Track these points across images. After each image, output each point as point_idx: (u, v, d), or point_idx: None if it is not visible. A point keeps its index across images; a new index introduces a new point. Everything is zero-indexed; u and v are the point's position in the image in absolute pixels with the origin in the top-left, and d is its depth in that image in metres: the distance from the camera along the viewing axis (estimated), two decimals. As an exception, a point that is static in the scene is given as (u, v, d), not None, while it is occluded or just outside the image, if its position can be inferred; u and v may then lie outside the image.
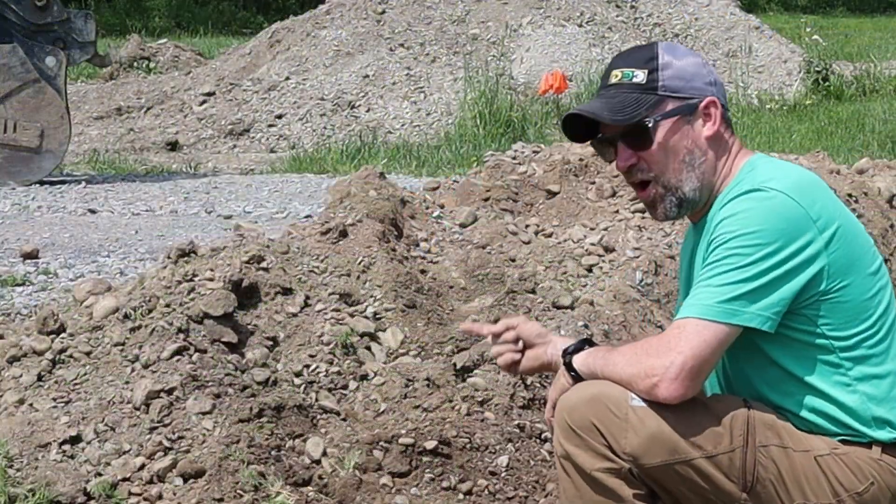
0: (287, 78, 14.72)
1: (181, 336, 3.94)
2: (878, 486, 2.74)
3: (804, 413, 2.77)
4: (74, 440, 3.67)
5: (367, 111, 14.07)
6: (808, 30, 18.46)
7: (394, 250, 4.90)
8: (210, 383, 3.82)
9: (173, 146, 13.62)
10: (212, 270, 4.30)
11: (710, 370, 2.72)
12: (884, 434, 2.75)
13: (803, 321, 2.74)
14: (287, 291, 4.40)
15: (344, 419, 3.93)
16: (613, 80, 2.90)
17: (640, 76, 2.86)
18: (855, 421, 2.75)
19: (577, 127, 2.93)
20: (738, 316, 2.68)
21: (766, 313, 2.69)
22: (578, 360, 2.86)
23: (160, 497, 3.50)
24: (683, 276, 3.00)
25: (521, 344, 3.01)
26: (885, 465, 2.75)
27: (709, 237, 2.77)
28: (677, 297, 3.13)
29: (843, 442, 2.76)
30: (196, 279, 4.24)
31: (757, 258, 2.67)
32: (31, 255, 7.40)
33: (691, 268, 2.90)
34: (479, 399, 3.92)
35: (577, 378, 2.85)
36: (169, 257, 4.67)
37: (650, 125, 2.84)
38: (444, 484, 3.68)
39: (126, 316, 4.08)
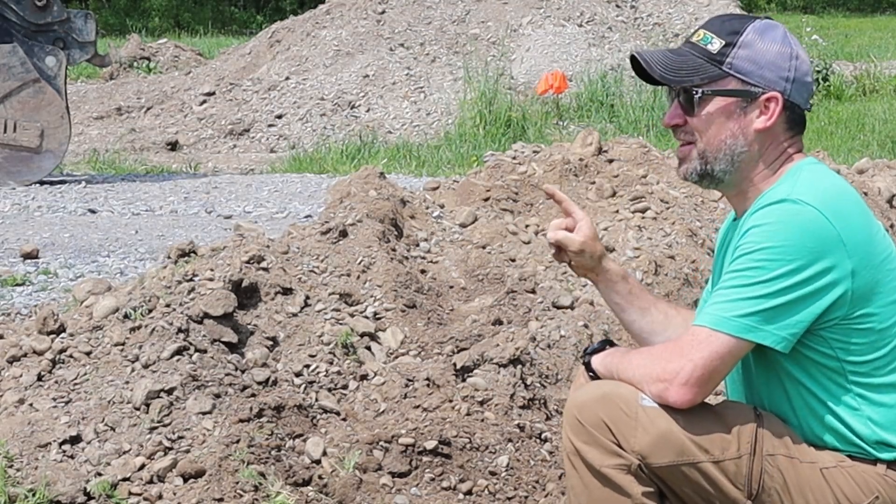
0: (287, 78, 14.72)
1: (181, 336, 3.94)
2: (882, 502, 2.73)
3: (813, 427, 2.76)
4: (74, 440, 3.67)
5: (367, 111, 14.07)
6: (807, 30, 18.47)
7: (394, 250, 4.90)
8: (210, 383, 3.82)
9: (173, 146, 13.62)
10: (212, 270, 4.30)
11: (720, 379, 2.72)
12: (888, 455, 2.75)
13: (819, 342, 2.72)
14: (287, 291, 4.41)
15: (344, 419, 3.93)
16: (694, 38, 2.83)
17: (716, 45, 2.78)
18: (861, 441, 2.74)
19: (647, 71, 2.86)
20: (753, 332, 2.66)
21: (782, 333, 2.67)
22: (597, 361, 2.88)
23: (160, 497, 3.50)
24: (715, 266, 2.98)
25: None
26: (891, 480, 2.74)
27: (737, 240, 2.74)
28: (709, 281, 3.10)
29: (850, 457, 2.75)
30: (196, 279, 4.24)
31: (780, 274, 2.64)
32: (31, 255, 7.40)
33: (722, 261, 2.89)
34: (479, 399, 3.92)
35: (595, 378, 2.87)
36: (169, 257, 4.68)
37: (697, 95, 2.78)
38: (444, 484, 3.67)
39: (126, 316, 4.08)
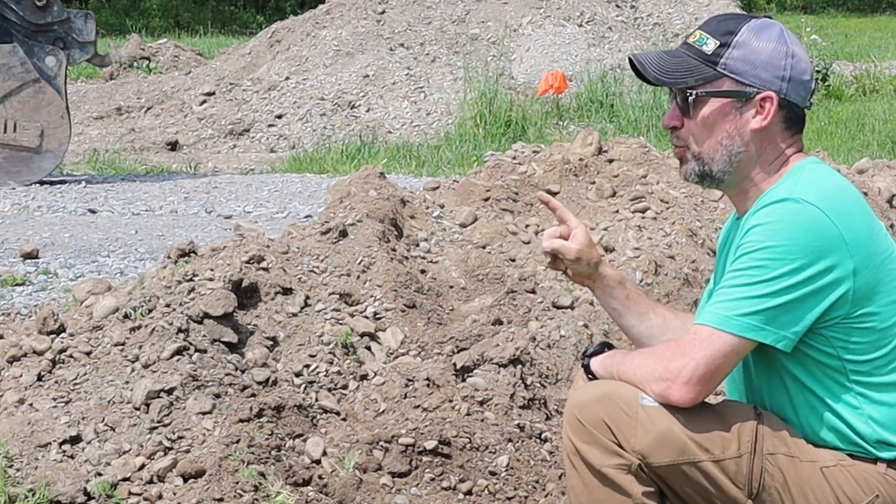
0: (287, 78, 14.72)
1: (181, 336, 3.94)
2: (882, 501, 2.73)
3: (813, 426, 2.76)
4: (74, 440, 3.67)
5: (367, 111, 14.07)
6: (807, 30, 18.47)
7: (394, 250, 4.90)
8: (210, 383, 3.82)
9: (173, 146, 13.62)
10: (212, 270, 4.30)
11: (722, 377, 2.72)
12: (888, 454, 2.75)
13: (820, 340, 2.71)
14: (287, 291, 4.41)
15: (344, 419, 3.93)
16: (691, 39, 2.82)
17: (710, 46, 2.77)
18: (861, 440, 2.74)
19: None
20: (755, 331, 2.66)
21: (783, 331, 2.67)
22: (596, 363, 2.88)
23: (160, 497, 3.50)
24: (717, 265, 2.98)
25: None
26: (892, 479, 2.74)
27: (739, 239, 2.74)
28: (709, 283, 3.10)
29: (850, 456, 2.75)
30: (196, 279, 4.24)
31: (782, 273, 2.63)
32: (31, 255, 7.40)
33: (724, 260, 2.88)
34: (479, 399, 3.92)
35: (594, 380, 2.87)
36: (169, 257, 4.68)
37: (691, 97, 2.78)
38: (444, 484, 3.67)
39: (126, 316, 4.08)
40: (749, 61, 2.76)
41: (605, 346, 2.93)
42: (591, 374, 2.88)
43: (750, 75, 2.76)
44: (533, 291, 4.95)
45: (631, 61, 2.86)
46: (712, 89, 2.78)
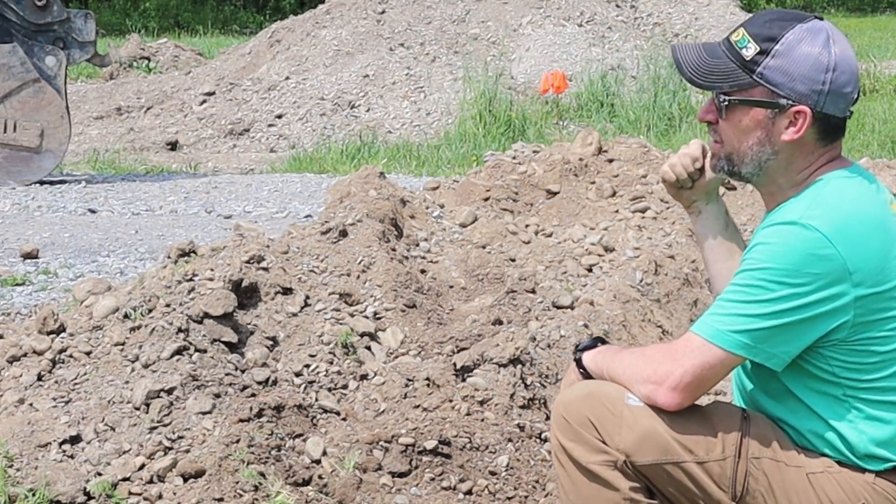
0: (287, 78, 14.72)
1: (181, 336, 3.94)
2: None
3: (804, 432, 2.76)
4: (74, 440, 3.67)
5: (367, 111, 14.07)
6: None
7: (394, 250, 4.91)
8: (210, 383, 3.82)
9: (173, 146, 13.62)
10: (212, 270, 4.30)
11: (709, 386, 2.72)
12: (875, 466, 2.74)
13: (817, 357, 2.70)
14: (287, 291, 4.41)
15: (344, 419, 3.93)
16: (734, 37, 2.76)
17: (749, 51, 2.71)
18: (850, 452, 2.74)
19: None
20: (746, 349, 2.66)
21: (774, 351, 2.66)
22: (588, 358, 2.89)
23: (160, 497, 3.50)
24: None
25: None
26: (880, 489, 2.73)
27: (748, 251, 2.72)
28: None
29: (839, 463, 2.75)
30: (196, 279, 4.24)
31: (779, 297, 2.62)
32: (31, 255, 7.40)
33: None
34: (479, 399, 3.92)
35: (586, 374, 2.88)
36: (169, 257, 4.68)
37: (723, 104, 2.74)
38: (444, 484, 3.67)
39: (126, 316, 4.08)
40: (786, 73, 2.70)
41: (598, 341, 2.94)
42: (582, 369, 2.89)
43: (786, 87, 2.70)
44: (533, 291, 4.95)
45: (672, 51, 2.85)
46: (746, 97, 2.73)
